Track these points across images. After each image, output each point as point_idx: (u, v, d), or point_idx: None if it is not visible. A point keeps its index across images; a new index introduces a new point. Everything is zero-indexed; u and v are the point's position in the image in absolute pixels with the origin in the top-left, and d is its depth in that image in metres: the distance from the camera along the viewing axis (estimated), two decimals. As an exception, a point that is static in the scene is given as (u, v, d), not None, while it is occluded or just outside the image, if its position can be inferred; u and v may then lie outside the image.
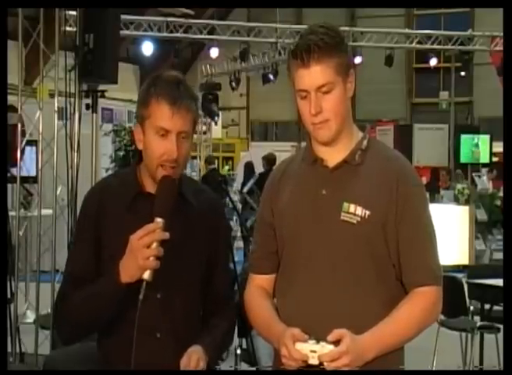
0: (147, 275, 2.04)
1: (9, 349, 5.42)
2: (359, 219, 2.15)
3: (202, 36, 15.52)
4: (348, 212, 2.15)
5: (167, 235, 2.04)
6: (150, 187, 2.22)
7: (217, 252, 2.34)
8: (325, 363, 2.03)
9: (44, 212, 6.25)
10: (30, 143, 6.56)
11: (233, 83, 17.38)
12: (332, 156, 2.22)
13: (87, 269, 2.21)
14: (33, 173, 6.63)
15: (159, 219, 2.05)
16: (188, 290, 2.24)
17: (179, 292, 2.22)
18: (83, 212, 2.31)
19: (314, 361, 2.04)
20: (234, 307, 2.43)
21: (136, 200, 2.22)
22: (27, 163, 6.73)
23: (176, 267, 2.18)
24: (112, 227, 2.21)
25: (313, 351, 2.04)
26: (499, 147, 13.94)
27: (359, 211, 2.15)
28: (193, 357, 2.14)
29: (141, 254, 2.02)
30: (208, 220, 2.30)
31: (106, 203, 2.25)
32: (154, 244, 2.03)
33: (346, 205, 2.16)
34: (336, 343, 2.04)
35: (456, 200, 12.63)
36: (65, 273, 2.30)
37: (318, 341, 2.05)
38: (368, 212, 2.15)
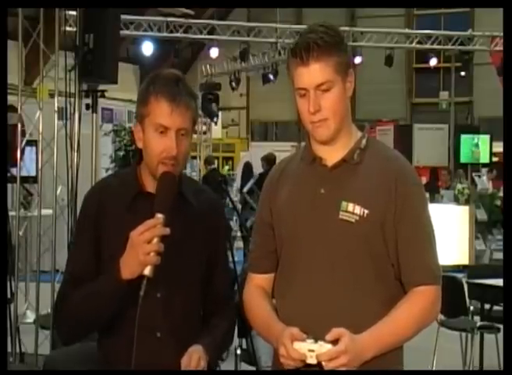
0: (147, 271, 2.04)
1: (9, 349, 5.42)
2: (357, 218, 2.15)
3: (202, 36, 15.53)
4: (346, 211, 2.15)
5: (168, 230, 2.04)
6: (150, 187, 2.22)
7: (217, 252, 2.34)
8: (323, 363, 2.03)
9: (44, 212, 6.25)
10: (30, 143, 6.56)
11: (233, 83, 17.38)
12: (331, 155, 2.22)
13: (87, 269, 2.21)
14: (33, 173, 6.63)
15: (160, 215, 2.05)
16: (188, 290, 2.24)
17: (179, 292, 2.22)
18: (83, 212, 2.31)
19: (312, 360, 2.04)
20: (234, 307, 2.43)
21: (137, 200, 2.22)
22: (27, 163, 6.73)
23: (175, 267, 2.18)
24: (112, 227, 2.21)
25: (311, 350, 2.04)
26: (499, 147, 13.95)
27: (357, 210, 2.15)
28: (194, 356, 2.14)
29: (142, 249, 2.02)
30: (208, 220, 2.30)
31: (106, 203, 2.24)
32: (155, 240, 2.03)
33: (344, 203, 2.16)
34: (335, 342, 2.04)
35: (456, 200, 12.63)
36: (65, 273, 2.30)
37: (316, 341, 2.05)
38: (366, 211, 2.15)
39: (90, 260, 2.22)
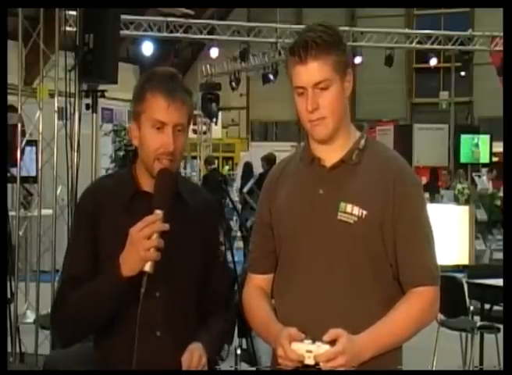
0: (148, 267, 2.03)
1: (9, 349, 5.42)
2: (356, 219, 2.14)
3: (202, 36, 15.53)
4: (345, 212, 2.15)
5: (167, 226, 2.04)
6: (147, 186, 2.22)
7: (214, 252, 2.35)
8: (320, 363, 2.03)
9: (44, 212, 6.25)
10: (30, 143, 6.56)
11: (233, 83, 17.38)
12: (330, 156, 2.22)
13: (86, 268, 2.19)
14: (33, 173, 6.63)
15: (158, 211, 2.05)
16: (186, 289, 2.24)
17: (178, 291, 2.21)
18: (79, 212, 2.30)
19: (310, 361, 2.04)
20: (232, 307, 2.43)
21: (134, 199, 2.22)
22: (27, 163, 6.73)
23: (173, 265, 2.18)
24: (110, 227, 2.20)
25: (309, 351, 2.03)
26: (499, 147, 13.95)
27: (356, 211, 2.15)
28: (196, 354, 2.14)
29: (142, 245, 2.02)
30: (205, 220, 2.30)
31: (103, 203, 2.23)
32: (155, 236, 2.03)
33: (343, 204, 2.16)
34: (332, 343, 2.04)
35: (456, 200, 12.63)
36: (62, 273, 2.28)
37: (314, 341, 2.04)
38: (365, 212, 2.14)
39: (88, 259, 2.20)
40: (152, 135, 2.16)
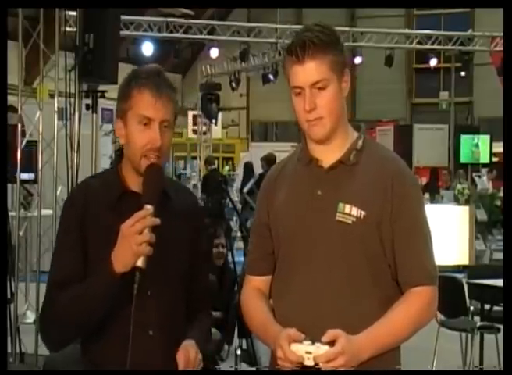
0: (140, 262, 2.02)
1: (9, 349, 5.42)
2: (354, 219, 2.14)
3: (202, 36, 15.54)
4: (343, 213, 2.15)
5: (158, 221, 2.03)
6: (134, 185, 2.20)
7: (200, 253, 2.35)
8: (320, 364, 2.03)
9: (44, 212, 6.26)
10: (30, 143, 6.56)
11: (233, 84, 17.39)
12: (327, 156, 2.22)
13: (75, 270, 2.15)
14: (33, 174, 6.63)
15: (149, 206, 2.05)
16: (175, 287, 2.24)
17: (168, 289, 2.21)
18: (66, 214, 2.26)
19: (309, 362, 2.04)
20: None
21: (121, 200, 2.20)
22: (27, 164, 6.72)
23: (162, 264, 2.17)
24: (98, 228, 2.17)
25: (308, 352, 2.03)
26: (499, 147, 13.95)
27: (354, 211, 2.15)
28: (192, 350, 2.14)
29: (134, 240, 2.00)
30: (191, 219, 2.30)
31: (90, 204, 2.21)
32: (146, 230, 2.02)
33: (341, 205, 2.16)
34: (331, 343, 2.03)
35: (456, 200, 12.64)
36: (50, 277, 2.23)
37: (313, 342, 2.04)
38: (363, 213, 2.14)
39: (77, 261, 2.16)
40: (139, 131, 2.15)
